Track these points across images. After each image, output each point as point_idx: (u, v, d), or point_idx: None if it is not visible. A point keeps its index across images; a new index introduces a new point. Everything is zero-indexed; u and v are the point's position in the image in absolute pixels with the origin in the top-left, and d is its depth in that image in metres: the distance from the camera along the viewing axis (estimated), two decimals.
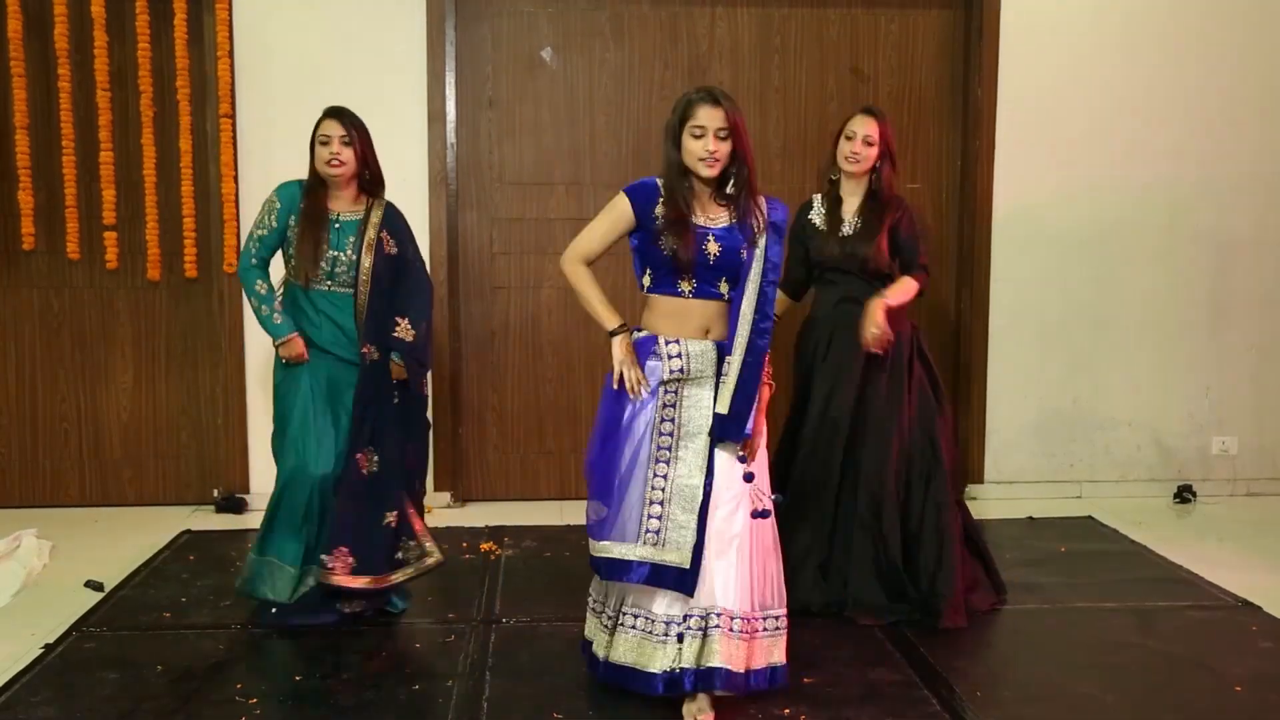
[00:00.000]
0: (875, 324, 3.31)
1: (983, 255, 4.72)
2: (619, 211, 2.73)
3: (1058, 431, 4.85)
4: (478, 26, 4.62)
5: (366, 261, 3.27)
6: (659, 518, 2.66)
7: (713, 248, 2.68)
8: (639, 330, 2.78)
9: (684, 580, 2.64)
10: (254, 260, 3.29)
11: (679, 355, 2.70)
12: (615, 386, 2.71)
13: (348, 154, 3.25)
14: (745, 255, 2.69)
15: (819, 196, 3.53)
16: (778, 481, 3.35)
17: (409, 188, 4.45)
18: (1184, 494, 4.81)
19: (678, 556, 2.64)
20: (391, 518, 3.25)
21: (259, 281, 3.28)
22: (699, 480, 2.66)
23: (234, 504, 4.55)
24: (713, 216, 2.72)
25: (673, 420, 2.70)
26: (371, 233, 3.29)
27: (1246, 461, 4.94)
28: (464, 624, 3.34)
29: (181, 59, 4.37)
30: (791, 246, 3.42)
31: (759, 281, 2.69)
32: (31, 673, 2.97)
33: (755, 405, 2.68)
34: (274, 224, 3.27)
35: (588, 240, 2.77)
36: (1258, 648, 3.20)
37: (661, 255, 2.68)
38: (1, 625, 3.34)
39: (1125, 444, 4.89)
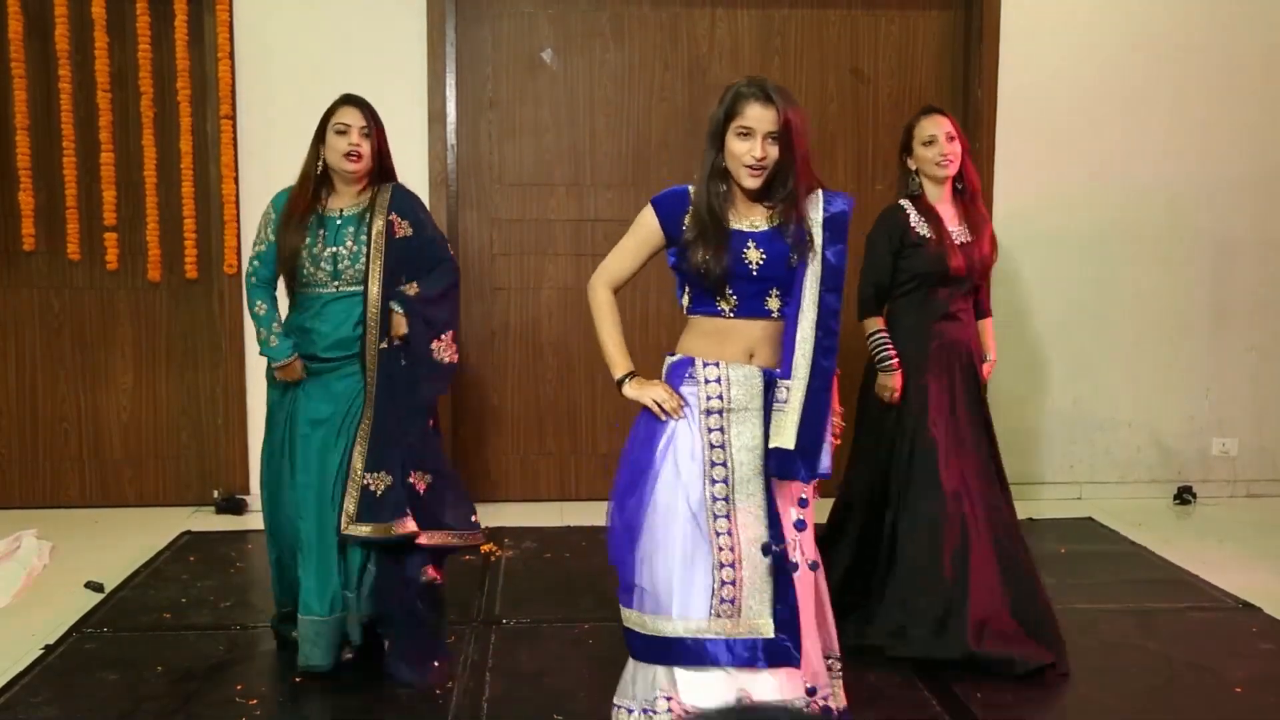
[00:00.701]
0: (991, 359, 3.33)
1: None
2: (645, 226, 2.40)
3: (1058, 432, 4.85)
4: (478, 27, 4.62)
5: (376, 248, 2.97)
6: (733, 583, 2.28)
7: (754, 255, 2.32)
8: (672, 355, 2.44)
9: (778, 651, 2.27)
10: (254, 279, 3.07)
11: (718, 380, 2.33)
12: (661, 416, 2.33)
13: (366, 147, 2.99)
14: (796, 262, 2.32)
15: (908, 202, 3.20)
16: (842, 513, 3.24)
17: (409, 188, 4.44)
18: (1184, 495, 4.81)
19: (758, 626, 2.28)
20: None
21: (258, 302, 3.05)
22: (765, 533, 2.30)
23: (234, 505, 4.55)
24: (753, 220, 2.36)
25: (725, 464, 2.32)
26: (380, 218, 3.00)
27: (1247, 463, 4.94)
28: (464, 625, 3.34)
29: (182, 60, 4.38)
30: (883, 256, 3.16)
31: (817, 290, 2.31)
32: (31, 673, 2.97)
33: (827, 439, 2.32)
34: (270, 237, 3.04)
35: (617, 262, 2.44)
36: (1258, 649, 3.20)
37: (695, 270, 2.32)
38: (1, 625, 3.34)
39: (1125, 445, 4.88)
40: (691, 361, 2.36)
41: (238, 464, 4.59)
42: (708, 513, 2.29)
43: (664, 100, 4.67)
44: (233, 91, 4.40)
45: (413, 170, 4.51)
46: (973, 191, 3.21)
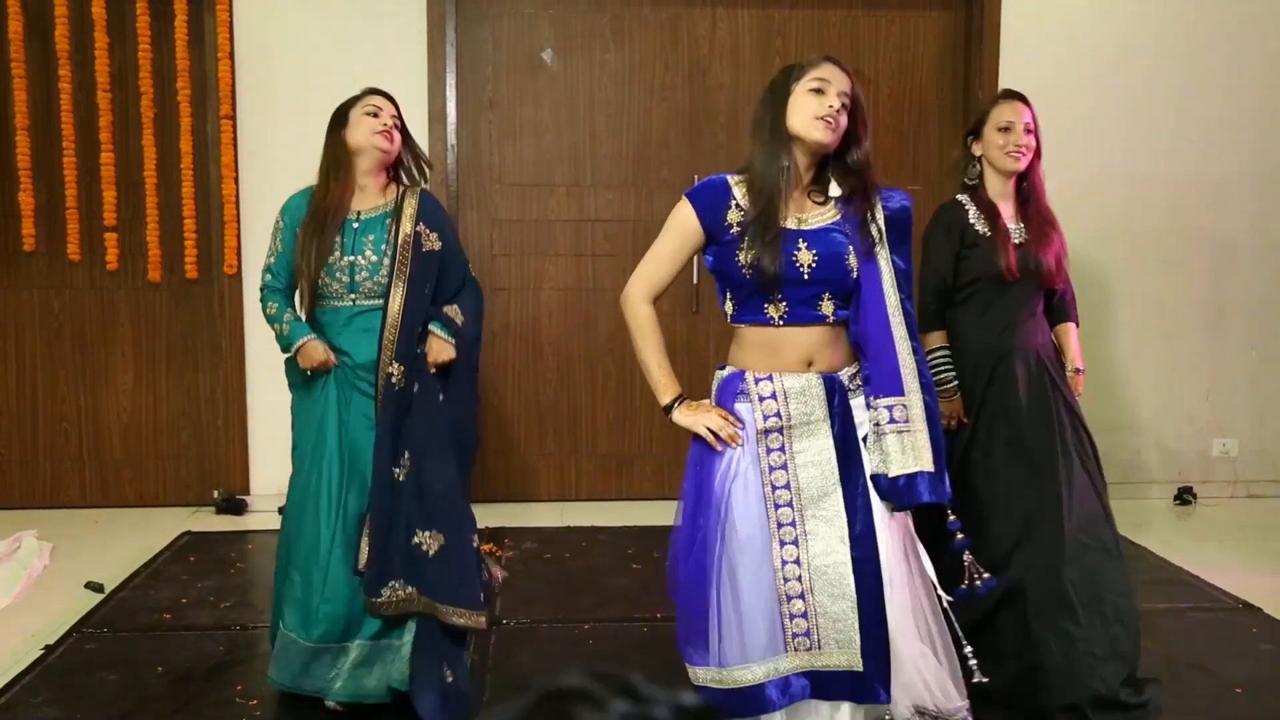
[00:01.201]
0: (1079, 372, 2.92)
1: None
2: (682, 224, 2.14)
3: None
4: (478, 28, 4.62)
5: (401, 259, 2.68)
6: (804, 615, 2.06)
7: (805, 257, 2.09)
8: (722, 368, 2.22)
9: (863, 686, 2.06)
10: (265, 290, 2.81)
11: (773, 395, 2.10)
12: (716, 446, 2.11)
13: (397, 137, 2.78)
14: (854, 262, 2.11)
15: (965, 197, 2.93)
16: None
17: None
18: (1184, 496, 4.81)
19: (846, 658, 2.06)
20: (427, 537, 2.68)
21: (269, 303, 2.79)
22: (844, 555, 2.07)
23: (234, 505, 4.55)
24: (803, 216, 2.14)
25: (788, 486, 2.10)
26: (407, 225, 2.71)
27: (1247, 463, 4.94)
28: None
29: (182, 60, 4.38)
30: (945, 257, 2.85)
31: (897, 297, 2.11)
32: (32, 673, 2.97)
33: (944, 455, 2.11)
34: (279, 246, 2.78)
35: (652, 269, 2.17)
36: (1258, 650, 3.19)
37: (740, 273, 2.09)
38: (1, 625, 3.34)
39: (1125, 446, 4.88)
40: (742, 376, 2.14)
41: (238, 464, 4.59)
42: (775, 540, 2.08)
43: (664, 100, 4.66)
44: (233, 91, 4.40)
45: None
46: (1037, 194, 2.91)
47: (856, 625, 2.06)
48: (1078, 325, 3.03)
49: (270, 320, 2.80)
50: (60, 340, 4.61)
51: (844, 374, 2.16)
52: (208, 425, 4.65)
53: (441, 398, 2.74)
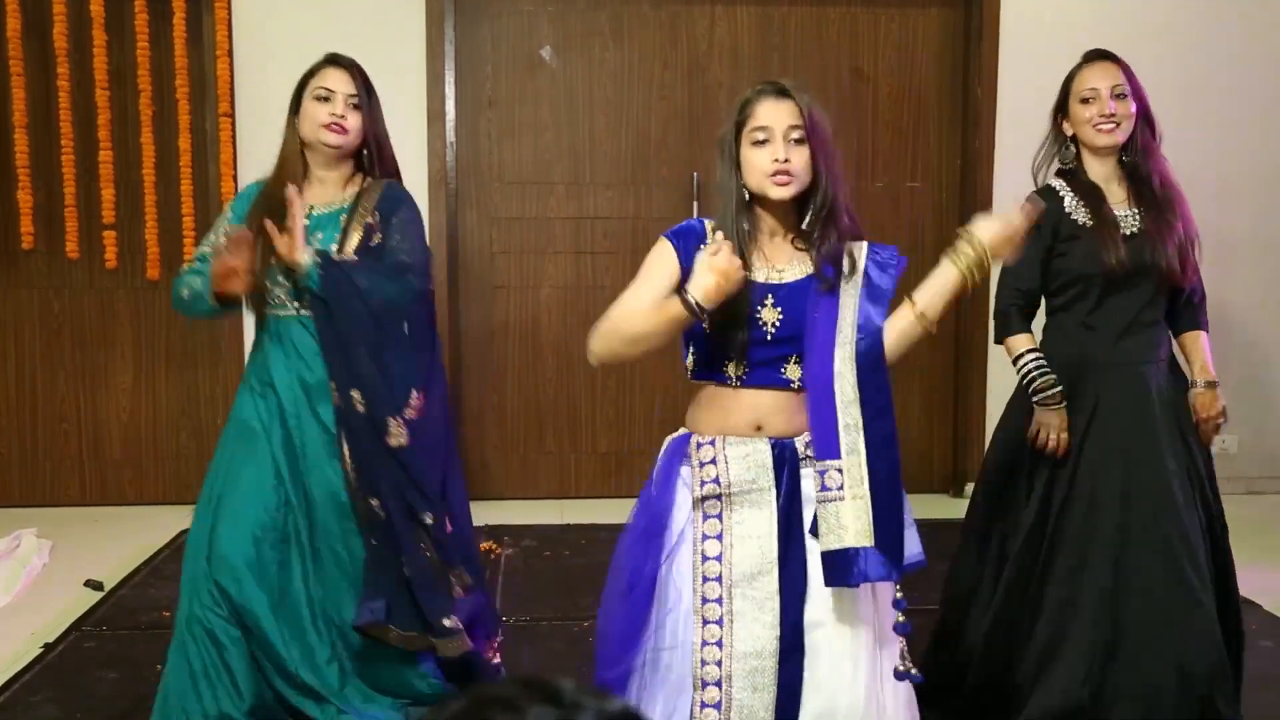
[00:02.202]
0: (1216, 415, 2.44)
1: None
2: (665, 263, 1.94)
3: None
4: (477, 26, 4.62)
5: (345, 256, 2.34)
6: (716, 705, 1.86)
7: (769, 315, 1.91)
8: (675, 433, 2.05)
9: None
10: (180, 273, 2.48)
11: (713, 460, 1.91)
12: (724, 283, 1.79)
13: (354, 120, 2.40)
14: (817, 314, 1.89)
15: (1060, 181, 2.51)
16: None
17: (408, 187, 4.42)
18: None
19: None
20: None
21: (182, 288, 2.43)
22: (772, 644, 1.86)
23: None
24: (781, 268, 1.95)
25: (719, 558, 1.90)
26: (359, 225, 2.38)
27: (1247, 460, 4.94)
28: None
29: (181, 58, 4.37)
30: (1030, 254, 2.37)
31: (852, 342, 1.87)
32: (31, 672, 2.97)
33: (909, 521, 1.88)
34: (217, 239, 2.45)
35: (634, 303, 1.92)
36: (1257, 647, 3.20)
37: (702, 328, 1.90)
38: (1, 625, 3.34)
39: None
40: (688, 439, 1.97)
41: None
42: (697, 618, 1.87)
43: (663, 99, 4.66)
44: (231, 90, 4.40)
45: (412, 169, 4.49)
46: (1151, 171, 2.44)
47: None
48: (1208, 333, 2.56)
49: (179, 303, 2.43)
50: (59, 339, 4.60)
51: (800, 440, 1.94)
52: (207, 425, 4.64)
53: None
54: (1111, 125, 2.42)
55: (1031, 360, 2.44)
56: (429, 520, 2.36)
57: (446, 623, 2.35)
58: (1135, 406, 2.43)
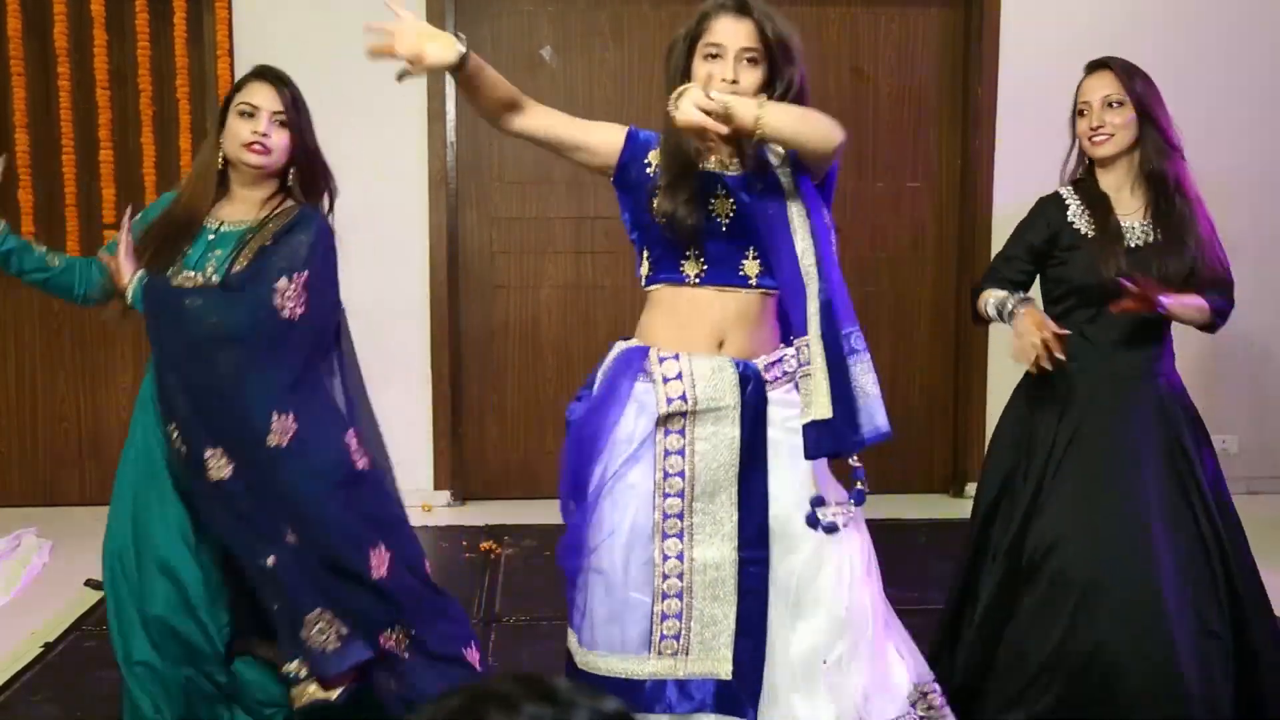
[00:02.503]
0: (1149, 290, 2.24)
1: (983, 255, 4.71)
2: (605, 127, 2.04)
3: None
4: (478, 26, 4.62)
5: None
6: (678, 615, 1.89)
7: (721, 205, 1.91)
8: (625, 340, 2.01)
9: (729, 697, 1.87)
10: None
11: (678, 376, 1.90)
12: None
13: (279, 139, 2.24)
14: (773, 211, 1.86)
15: (1069, 189, 2.49)
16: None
17: (409, 188, 4.45)
18: None
19: (711, 665, 1.88)
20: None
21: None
22: (731, 555, 1.89)
23: None
24: (726, 161, 1.94)
25: (681, 474, 1.90)
26: (254, 244, 2.21)
27: (1247, 460, 4.94)
28: None
29: (181, 58, 4.37)
30: (1018, 247, 2.45)
31: (808, 233, 1.84)
32: (31, 672, 2.98)
33: (866, 393, 1.84)
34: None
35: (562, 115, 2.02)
36: None
37: (654, 224, 1.91)
38: (1, 625, 3.34)
39: None
40: (645, 352, 1.93)
41: None
42: (656, 532, 1.89)
43: (663, 99, 4.63)
44: None
45: (413, 170, 4.51)
46: (1168, 183, 2.35)
47: (732, 631, 1.88)
48: (1212, 312, 2.45)
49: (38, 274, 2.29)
50: (60, 340, 4.60)
51: (761, 362, 1.94)
52: None
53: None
54: (1103, 137, 2.38)
55: (996, 296, 2.39)
56: (267, 562, 2.16)
57: (288, 667, 2.20)
58: (1122, 424, 2.36)
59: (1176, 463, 2.38)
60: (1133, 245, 2.35)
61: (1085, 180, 2.47)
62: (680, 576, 1.88)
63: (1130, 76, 2.38)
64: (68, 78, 4.33)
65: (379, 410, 2.52)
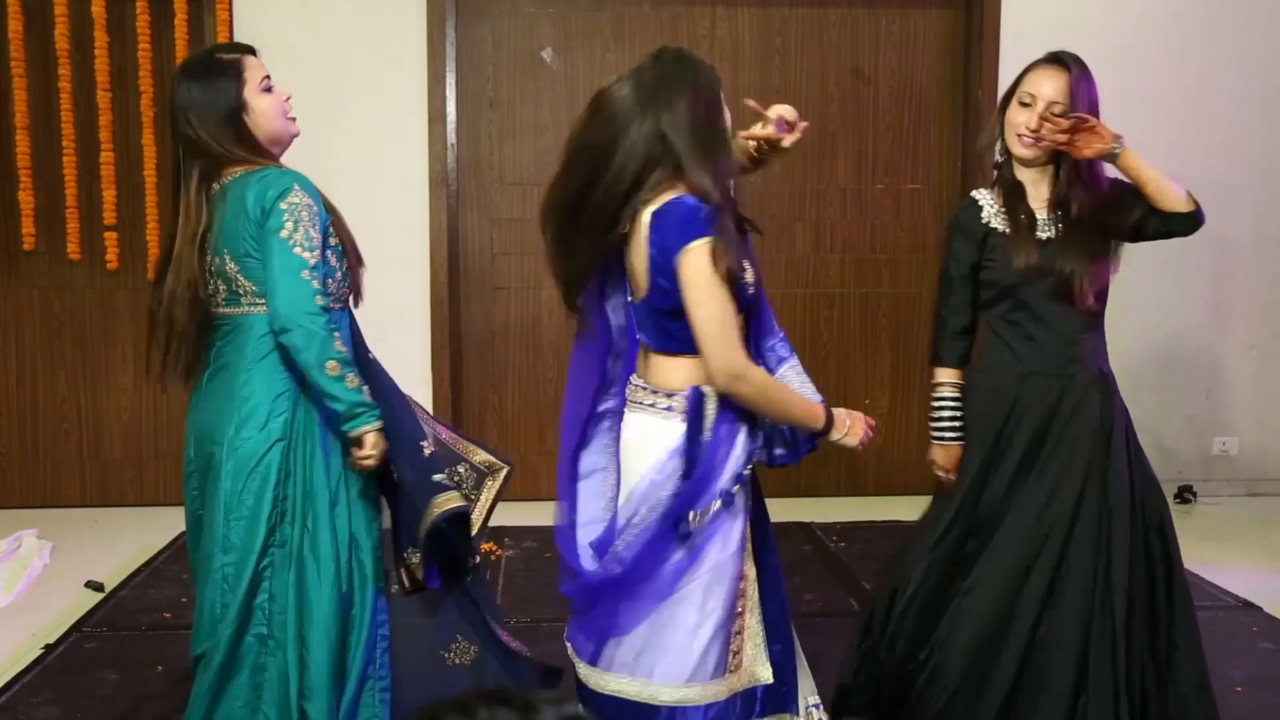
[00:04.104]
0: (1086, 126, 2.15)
1: None
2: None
3: None
4: (478, 27, 4.62)
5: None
6: (740, 633, 2.02)
7: (750, 275, 2.03)
8: (698, 391, 1.98)
9: (777, 697, 1.99)
10: (321, 307, 2.14)
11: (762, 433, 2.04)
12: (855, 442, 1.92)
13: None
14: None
15: (984, 192, 2.38)
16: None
17: (409, 188, 4.45)
18: (1184, 494, 4.81)
19: (764, 671, 1.99)
20: None
21: (338, 335, 2.15)
22: (750, 569, 2.03)
23: None
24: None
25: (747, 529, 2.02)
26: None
27: (1247, 462, 4.94)
28: None
29: (182, 59, 4.37)
30: (954, 281, 2.34)
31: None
32: (31, 673, 2.97)
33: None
34: (316, 237, 2.20)
35: (734, 323, 1.88)
36: (1258, 648, 3.19)
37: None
38: (1, 625, 3.34)
39: None
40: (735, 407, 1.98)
41: None
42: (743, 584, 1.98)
43: None
44: None
45: (413, 170, 4.50)
46: (1081, 185, 2.28)
47: (764, 637, 1.97)
48: (1184, 196, 2.32)
49: (339, 359, 2.16)
50: (60, 340, 4.60)
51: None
52: None
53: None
54: (1031, 140, 2.27)
55: (942, 396, 2.38)
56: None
57: (437, 477, 2.37)
58: (1063, 425, 2.36)
59: (1124, 459, 2.42)
60: (1043, 237, 2.29)
61: (1003, 169, 2.37)
62: (745, 594, 1.96)
63: (1080, 84, 2.25)
64: (68, 79, 4.33)
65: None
